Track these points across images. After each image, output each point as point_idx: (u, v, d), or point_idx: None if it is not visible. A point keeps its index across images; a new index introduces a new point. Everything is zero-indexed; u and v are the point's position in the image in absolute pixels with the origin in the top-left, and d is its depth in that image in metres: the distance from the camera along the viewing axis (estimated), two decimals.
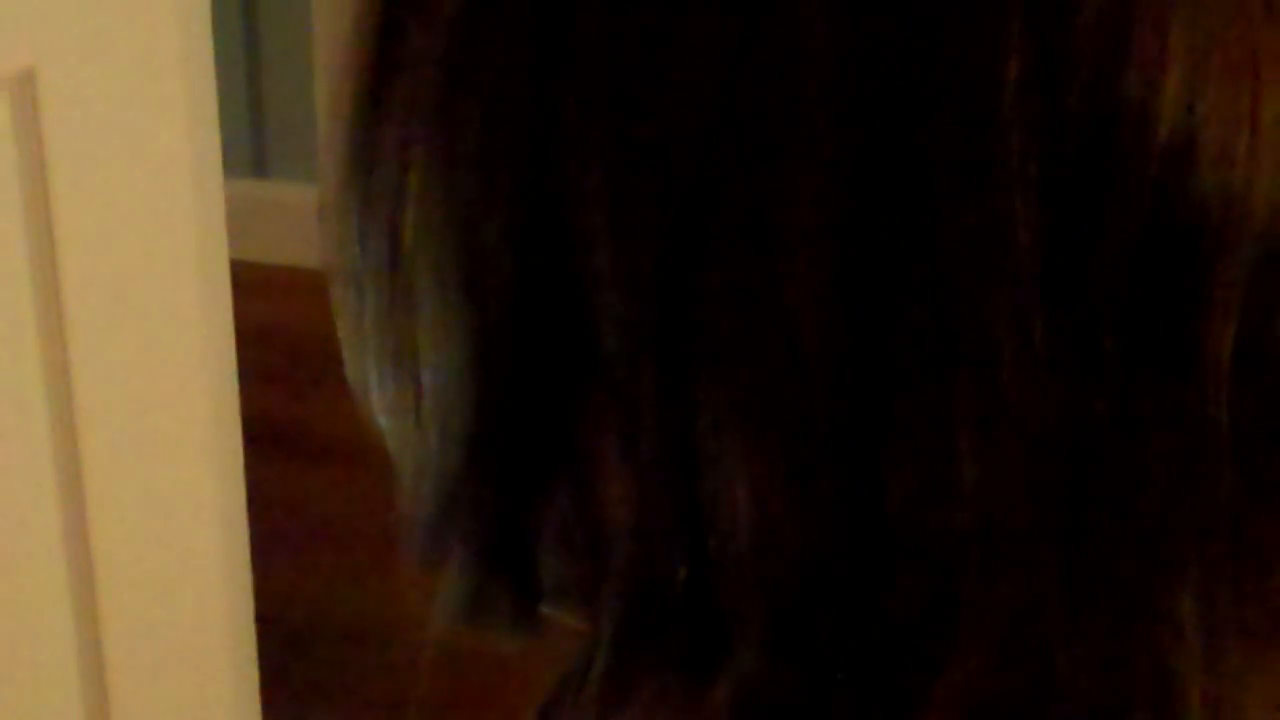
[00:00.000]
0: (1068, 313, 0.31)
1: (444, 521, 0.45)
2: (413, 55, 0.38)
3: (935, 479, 0.33)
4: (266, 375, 1.41)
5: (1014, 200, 0.31)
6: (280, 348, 1.57)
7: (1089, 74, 0.32)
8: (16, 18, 1.12)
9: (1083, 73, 0.32)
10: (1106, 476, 0.32)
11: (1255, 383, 0.32)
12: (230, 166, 1.32)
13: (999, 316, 0.31)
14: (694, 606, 0.40)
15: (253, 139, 2.59)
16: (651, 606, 0.41)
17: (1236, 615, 0.34)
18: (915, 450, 0.33)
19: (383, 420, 0.46)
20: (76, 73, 1.15)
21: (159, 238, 1.25)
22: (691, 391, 0.35)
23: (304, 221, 2.46)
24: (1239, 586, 0.34)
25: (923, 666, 0.36)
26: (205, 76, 1.26)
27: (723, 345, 0.35)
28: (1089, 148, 0.32)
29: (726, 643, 0.39)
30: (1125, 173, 0.32)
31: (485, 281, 0.39)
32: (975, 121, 0.31)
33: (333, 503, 2.13)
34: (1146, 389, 0.32)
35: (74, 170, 1.16)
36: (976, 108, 0.31)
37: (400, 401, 0.45)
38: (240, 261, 1.33)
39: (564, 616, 0.45)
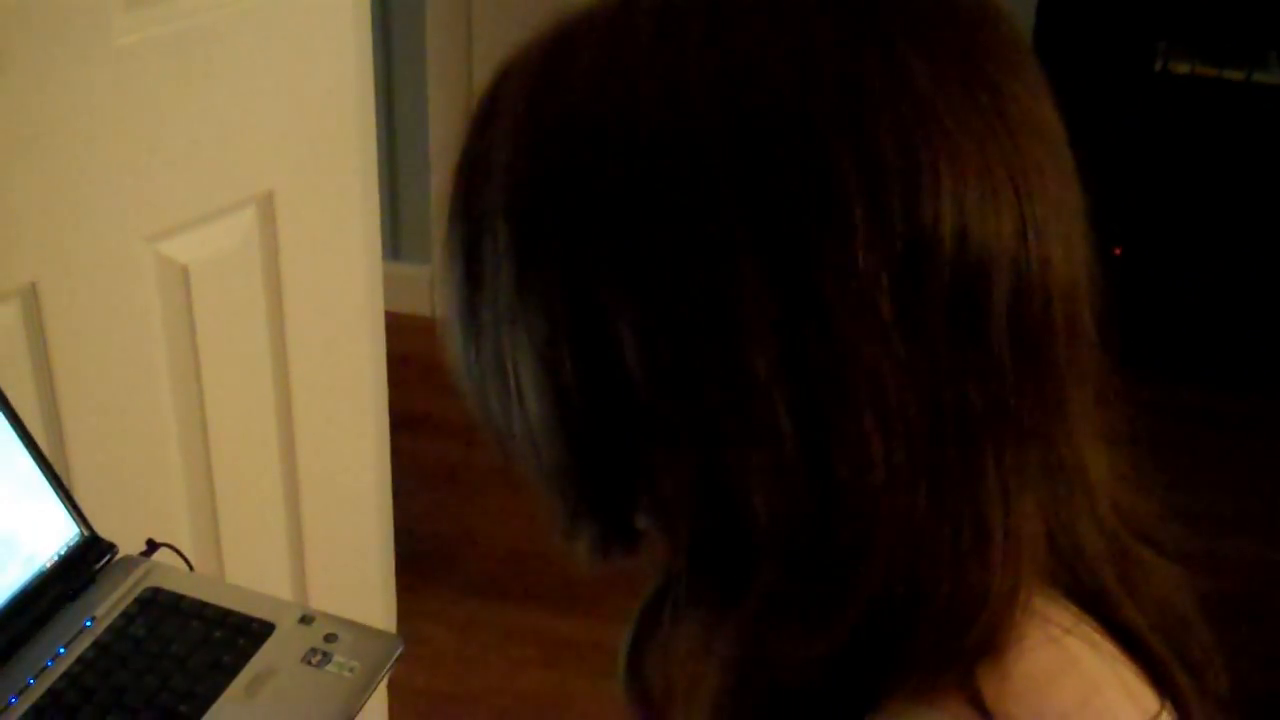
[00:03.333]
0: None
1: (570, 509, 0.60)
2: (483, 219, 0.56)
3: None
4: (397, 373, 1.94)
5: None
6: (408, 361, 2.04)
7: (901, 206, 0.50)
8: (260, 149, 1.57)
9: (896, 206, 0.50)
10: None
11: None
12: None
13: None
14: (732, 549, 0.55)
15: (390, 230, 3.07)
16: (707, 548, 0.56)
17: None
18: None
19: (491, 436, 0.60)
20: (302, 192, 1.63)
21: (345, 294, 1.75)
22: (712, 438, 0.53)
23: (424, 287, 3.03)
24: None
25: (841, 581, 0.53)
26: (371, 191, 1.75)
27: (707, 424, 0.52)
28: (910, 255, 0.50)
29: (753, 569, 0.55)
30: (931, 267, 0.50)
31: (560, 378, 0.55)
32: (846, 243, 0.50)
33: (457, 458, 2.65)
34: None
35: (297, 256, 1.65)
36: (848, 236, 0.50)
37: (508, 427, 0.58)
38: (386, 311, 1.90)
39: (650, 555, 0.60)
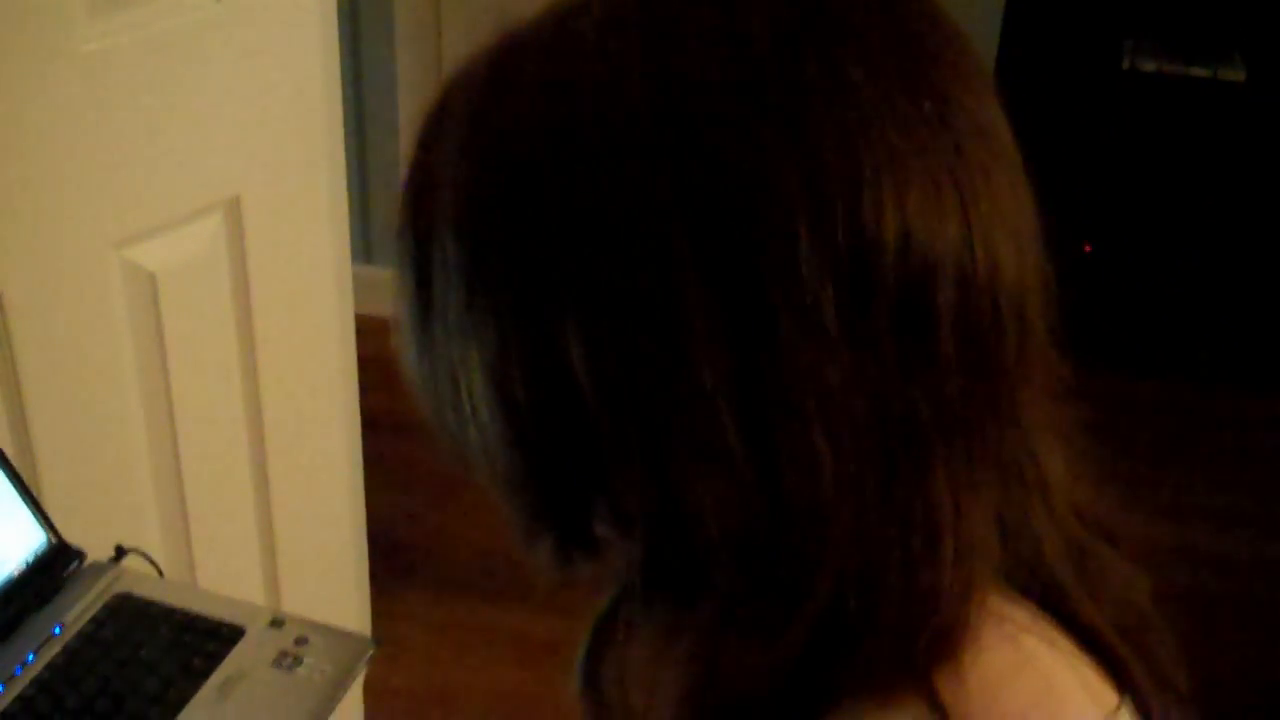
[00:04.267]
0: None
1: (528, 519, 0.60)
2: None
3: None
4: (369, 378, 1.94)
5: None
6: (380, 363, 2.05)
7: (844, 213, 0.50)
8: (227, 155, 1.57)
9: (839, 214, 0.50)
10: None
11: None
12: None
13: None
14: (686, 558, 0.55)
15: (361, 233, 3.05)
16: (661, 558, 0.56)
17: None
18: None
19: (447, 445, 0.59)
20: (268, 196, 1.63)
21: (314, 298, 1.75)
22: (662, 449, 0.53)
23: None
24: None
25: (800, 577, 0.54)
26: (340, 195, 1.75)
27: (655, 436, 0.52)
28: (856, 266, 0.50)
29: (708, 578, 0.55)
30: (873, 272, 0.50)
31: (511, 392, 0.55)
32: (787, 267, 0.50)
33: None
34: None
35: (266, 261, 1.65)
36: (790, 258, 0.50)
37: (463, 438, 0.58)
38: (358, 314, 1.89)
39: (607, 563, 0.60)
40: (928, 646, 0.55)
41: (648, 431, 0.53)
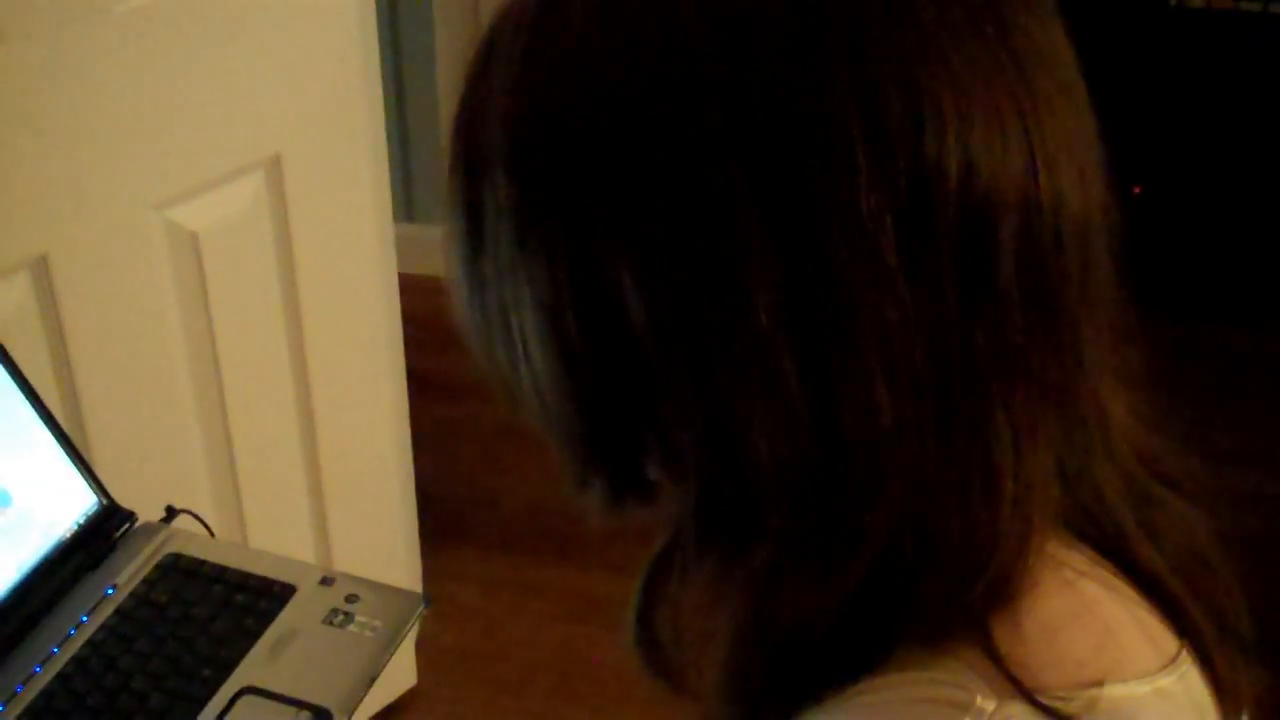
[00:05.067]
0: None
1: (580, 461, 0.59)
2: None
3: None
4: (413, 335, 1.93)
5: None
6: (424, 322, 2.04)
7: (904, 144, 0.49)
8: (266, 114, 1.58)
9: (900, 145, 0.49)
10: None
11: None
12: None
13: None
14: (740, 499, 0.54)
15: (402, 191, 3.06)
16: (715, 500, 0.55)
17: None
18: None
19: (499, 387, 0.59)
20: (309, 155, 1.63)
21: (357, 256, 1.76)
22: (716, 388, 0.52)
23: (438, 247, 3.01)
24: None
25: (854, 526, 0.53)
26: (380, 152, 1.76)
27: (711, 374, 0.52)
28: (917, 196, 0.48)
29: (763, 520, 0.54)
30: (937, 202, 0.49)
31: (564, 330, 0.54)
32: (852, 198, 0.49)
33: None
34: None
35: (307, 220, 1.65)
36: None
37: (515, 381, 0.58)
38: (401, 273, 1.91)
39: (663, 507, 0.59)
40: (985, 591, 0.54)
41: (702, 369, 0.52)
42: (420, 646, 2.20)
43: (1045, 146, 0.51)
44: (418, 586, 2.19)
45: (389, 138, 1.79)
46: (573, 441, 0.58)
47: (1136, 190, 2.92)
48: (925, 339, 0.51)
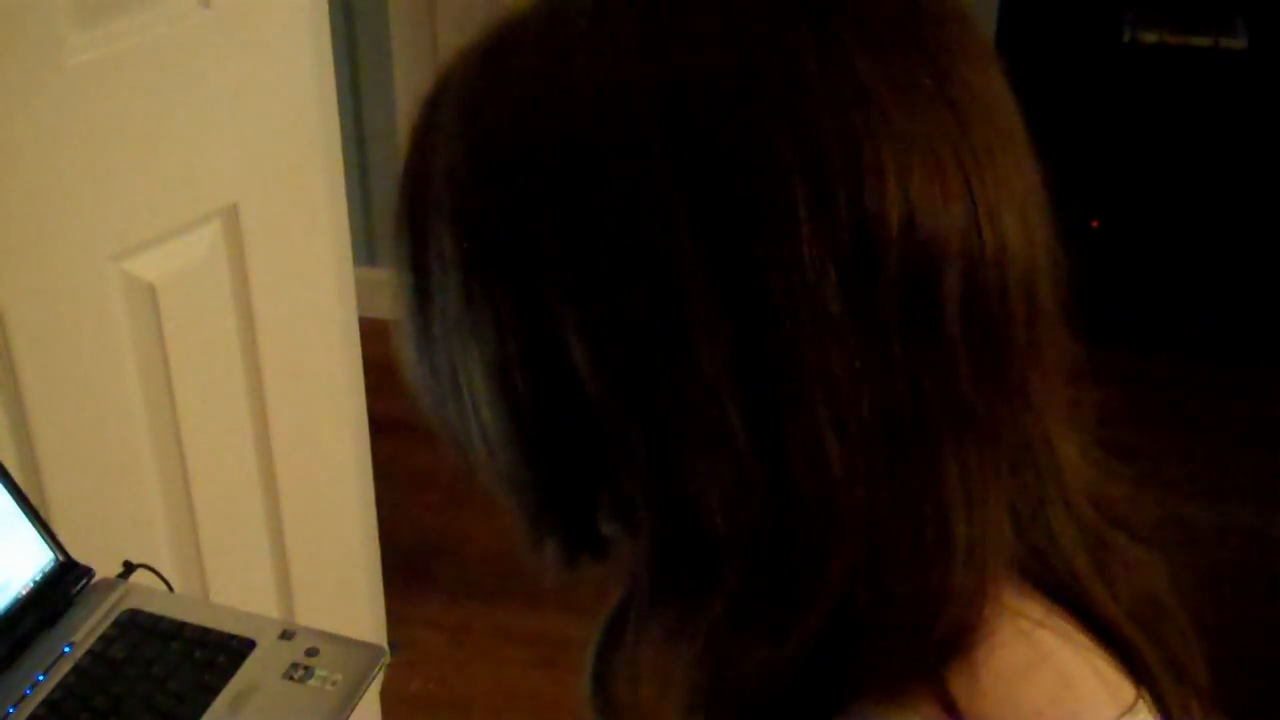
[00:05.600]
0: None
1: (533, 517, 0.59)
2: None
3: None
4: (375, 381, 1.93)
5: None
6: (387, 366, 2.04)
7: (845, 194, 0.49)
8: (222, 163, 1.56)
9: (840, 195, 0.49)
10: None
11: None
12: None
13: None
14: (693, 553, 0.54)
15: (364, 235, 3.01)
16: (668, 555, 0.55)
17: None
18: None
19: (450, 446, 0.59)
20: (266, 203, 1.62)
21: (316, 303, 1.74)
22: (666, 443, 0.52)
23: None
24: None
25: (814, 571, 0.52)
26: (339, 198, 1.75)
27: (659, 427, 0.51)
28: (857, 244, 0.49)
29: (716, 575, 0.54)
30: (878, 253, 0.49)
31: (512, 388, 0.54)
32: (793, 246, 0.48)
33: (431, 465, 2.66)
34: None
35: (266, 268, 1.64)
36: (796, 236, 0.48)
37: (466, 436, 0.57)
38: (363, 317, 1.89)
39: (615, 563, 0.59)
40: (940, 643, 0.54)
41: (651, 423, 0.52)
42: (385, 695, 2.18)
43: (986, 195, 0.51)
44: (382, 633, 2.17)
45: (351, 181, 1.78)
46: (525, 498, 0.58)
47: (1094, 224, 2.94)
48: (873, 388, 0.51)
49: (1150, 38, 2.79)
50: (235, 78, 1.55)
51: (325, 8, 1.66)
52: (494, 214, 0.53)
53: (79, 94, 1.39)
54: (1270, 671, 2.20)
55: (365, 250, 2.96)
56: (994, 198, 0.51)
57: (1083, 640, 0.59)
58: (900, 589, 0.53)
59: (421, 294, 0.56)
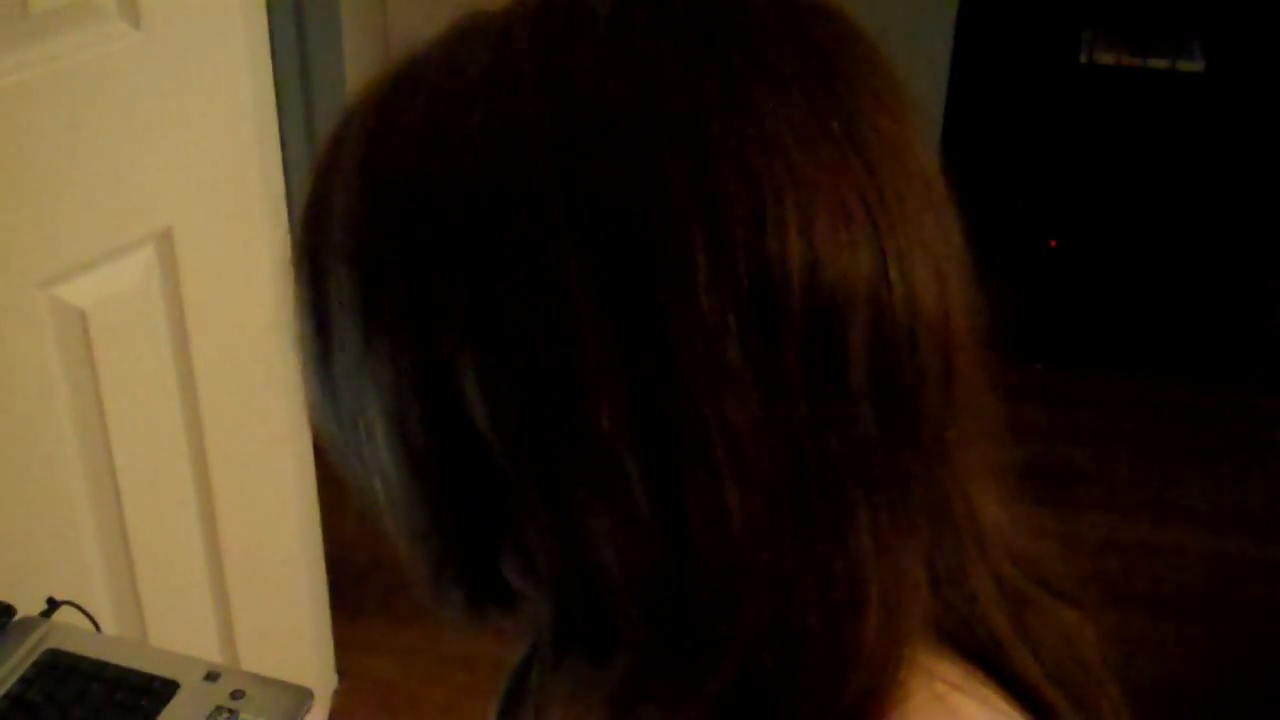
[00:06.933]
0: None
1: (435, 567, 0.57)
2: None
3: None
4: None
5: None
6: None
7: (745, 241, 0.47)
8: (155, 186, 1.54)
9: (740, 242, 0.47)
10: None
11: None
12: None
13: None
14: (594, 609, 0.52)
15: None
16: (569, 611, 0.53)
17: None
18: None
19: (355, 494, 0.57)
20: (202, 227, 1.60)
21: (254, 326, 1.70)
22: (562, 495, 0.50)
23: None
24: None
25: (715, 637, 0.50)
26: (279, 219, 1.70)
27: (555, 480, 0.50)
28: (757, 293, 0.47)
29: (619, 634, 0.52)
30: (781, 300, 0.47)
31: (410, 434, 0.52)
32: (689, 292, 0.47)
33: None
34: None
35: (201, 292, 1.61)
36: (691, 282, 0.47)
37: (367, 481, 0.56)
38: None
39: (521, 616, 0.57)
40: (851, 707, 0.52)
41: (547, 478, 0.50)
42: None
43: (896, 243, 0.49)
44: (329, 661, 2.15)
45: (298, 202, 1.74)
46: (427, 549, 0.56)
47: (1052, 244, 2.94)
48: (776, 442, 0.49)
49: (1108, 59, 2.79)
50: (168, 99, 1.52)
51: (264, 26, 1.64)
52: (390, 258, 0.51)
53: (5, 117, 1.36)
54: (1233, 692, 2.20)
55: None
56: (904, 246, 0.49)
57: (1001, 705, 0.57)
58: (809, 648, 0.51)
59: (322, 338, 0.54)
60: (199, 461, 1.68)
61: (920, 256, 0.50)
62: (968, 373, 0.53)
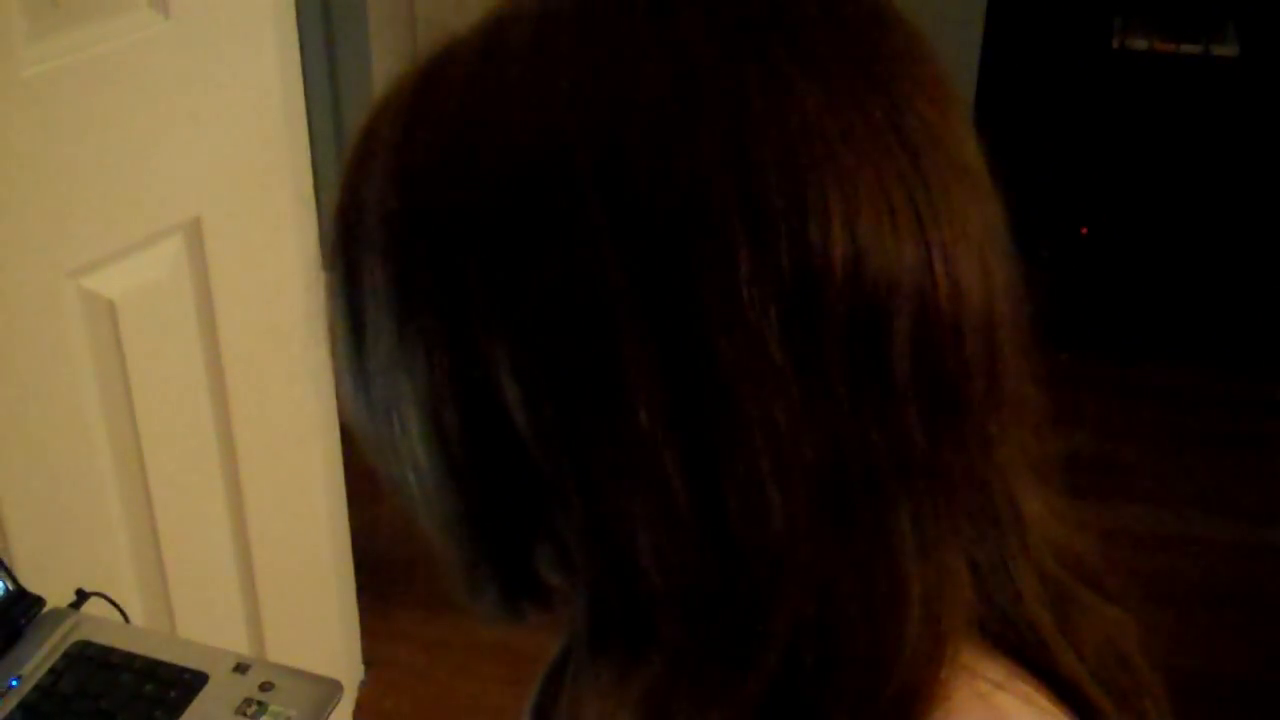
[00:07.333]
0: None
1: (471, 564, 0.57)
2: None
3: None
4: None
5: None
6: None
7: (787, 234, 0.46)
8: (184, 175, 1.54)
9: (782, 236, 0.46)
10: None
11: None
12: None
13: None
14: (632, 605, 0.52)
15: None
16: (605, 607, 0.53)
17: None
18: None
19: (389, 490, 0.56)
20: (230, 216, 1.60)
21: (283, 315, 1.71)
22: (599, 490, 0.49)
23: None
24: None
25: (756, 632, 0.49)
26: (307, 208, 1.71)
27: (593, 476, 0.49)
28: (799, 282, 0.46)
29: (656, 630, 0.52)
30: (823, 289, 0.46)
31: (445, 428, 0.52)
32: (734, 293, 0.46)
33: None
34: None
35: (230, 281, 1.61)
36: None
37: (402, 477, 0.55)
38: None
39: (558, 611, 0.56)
40: (892, 705, 0.51)
41: (584, 472, 0.49)
42: (360, 713, 2.14)
43: (940, 235, 0.48)
44: (356, 651, 2.15)
45: (326, 191, 1.75)
46: (462, 544, 0.55)
47: (1084, 231, 2.91)
48: (817, 437, 0.48)
49: (1140, 44, 2.76)
50: (197, 88, 1.52)
51: (292, 15, 1.63)
52: (426, 250, 0.50)
53: (34, 106, 1.36)
54: (1258, 685, 2.18)
55: None
56: (948, 238, 0.48)
57: (1044, 704, 0.56)
58: (850, 646, 0.50)
59: (356, 332, 0.53)
60: (227, 452, 1.68)
61: (964, 248, 0.49)
62: (1012, 367, 0.52)
